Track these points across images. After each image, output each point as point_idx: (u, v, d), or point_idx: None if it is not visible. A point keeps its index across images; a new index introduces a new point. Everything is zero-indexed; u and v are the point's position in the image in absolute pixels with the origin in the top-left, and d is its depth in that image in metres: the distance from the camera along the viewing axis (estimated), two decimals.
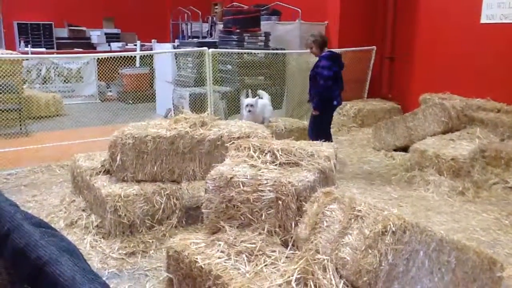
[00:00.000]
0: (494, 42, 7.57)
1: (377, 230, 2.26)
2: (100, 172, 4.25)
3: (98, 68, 10.77)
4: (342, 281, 2.31)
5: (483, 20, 7.79)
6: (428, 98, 7.67)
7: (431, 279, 2.41)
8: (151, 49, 11.46)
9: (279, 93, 8.35)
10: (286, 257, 2.66)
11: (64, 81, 10.85)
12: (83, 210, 4.25)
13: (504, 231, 4.25)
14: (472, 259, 2.63)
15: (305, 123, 6.70)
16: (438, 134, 6.07)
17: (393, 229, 2.23)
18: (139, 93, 9.77)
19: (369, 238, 2.27)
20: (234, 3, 10.70)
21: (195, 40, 10.02)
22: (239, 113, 7.86)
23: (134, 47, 12.80)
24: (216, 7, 13.21)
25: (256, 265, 2.59)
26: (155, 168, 4.01)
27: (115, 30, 14.07)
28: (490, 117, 6.54)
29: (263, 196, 2.90)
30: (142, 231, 3.88)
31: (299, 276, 2.36)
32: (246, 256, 2.68)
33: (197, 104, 7.34)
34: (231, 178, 2.97)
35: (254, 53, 7.96)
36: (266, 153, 3.24)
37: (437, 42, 8.53)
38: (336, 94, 5.75)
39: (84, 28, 13.64)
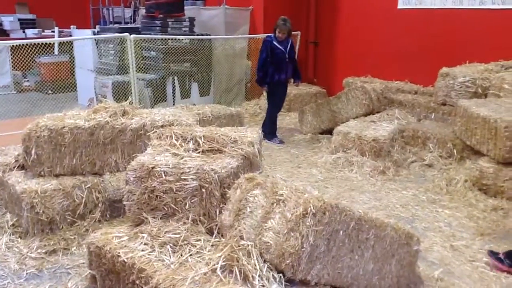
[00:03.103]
0: (410, 26, 7.93)
1: (298, 213, 2.28)
2: (14, 167, 4.00)
3: (12, 56, 10.05)
4: (266, 265, 2.33)
5: (400, 5, 8.12)
6: (351, 81, 7.93)
7: (352, 257, 2.49)
8: (70, 36, 10.88)
9: (206, 80, 8.26)
10: (212, 245, 2.63)
11: None
12: None
13: (421, 207, 4.49)
14: (390, 235, 2.74)
15: (233, 109, 6.69)
16: (360, 116, 6.30)
17: (313, 211, 2.26)
18: (58, 83, 9.23)
19: (291, 221, 2.29)
20: None
21: (117, 26, 9.64)
22: (165, 101, 7.70)
23: (52, 33, 12.09)
24: None
25: (181, 255, 2.54)
26: (74, 160, 3.82)
27: (30, 16, 13.18)
28: (408, 99, 6.88)
29: (186, 184, 2.85)
30: (62, 227, 3.69)
31: (224, 263, 2.35)
32: (171, 246, 2.62)
33: (121, 93, 7.08)
34: (152, 168, 2.88)
35: (179, 39, 7.79)
36: (188, 141, 3.18)
37: (358, 27, 8.79)
38: None
39: None
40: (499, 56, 6.56)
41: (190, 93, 8.07)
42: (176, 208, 2.87)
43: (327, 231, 2.32)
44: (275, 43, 6.32)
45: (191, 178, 2.85)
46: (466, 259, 3.51)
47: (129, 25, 9.91)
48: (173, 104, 7.58)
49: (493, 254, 3.47)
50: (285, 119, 7.93)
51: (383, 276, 2.74)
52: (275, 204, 2.43)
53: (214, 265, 2.35)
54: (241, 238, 2.47)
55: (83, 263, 3.29)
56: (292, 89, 8.51)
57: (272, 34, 6.46)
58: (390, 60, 8.22)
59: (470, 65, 6.56)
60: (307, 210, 2.27)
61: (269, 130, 6.59)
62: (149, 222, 2.84)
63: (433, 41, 7.58)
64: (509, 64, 6.37)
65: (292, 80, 6.80)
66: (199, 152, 3.10)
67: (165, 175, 2.87)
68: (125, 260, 2.56)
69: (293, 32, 8.94)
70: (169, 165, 2.90)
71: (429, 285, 3.15)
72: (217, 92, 8.51)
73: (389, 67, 8.14)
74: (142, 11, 9.75)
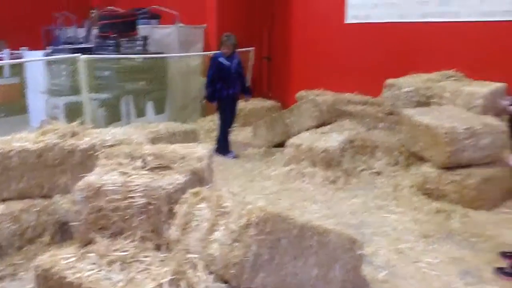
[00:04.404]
0: (358, 40, 8.24)
1: (242, 224, 2.37)
2: None
3: None
4: (211, 277, 2.39)
5: (348, 20, 8.44)
6: (304, 95, 8.12)
7: (295, 264, 2.58)
8: (22, 58, 10.65)
9: (161, 98, 8.28)
10: (160, 261, 2.66)
11: None
12: None
13: (370, 213, 4.66)
14: (333, 241, 2.86)
15: (188, 126, 6.74)
16: (312, 128, 6.46)
17: (256, 221, 2.35)
18: (10, 105, 9.06)
19: (234, 232, 2.37)
20: (110, 7, 10.37)
21: (69, 46, 9.53)
22: (120, 120, 7.66)
23: (2, 55, 11.81)
24: (93, 11, 12.67)
25: (129, 272, 2.57)
26: (21, 184, 3.75)
27: None
28: (358, 110, 7.10)
29: (134, 202, 2.87)
30: (10, 253, 3.63)
31: (171, 277, 2.40)
32: (119, 265, 2.64)
33: (74, 114, 6.99)
34: (99, 187, 2.90)
35: (133, 58, 7.79)
36: (137, 159, 3.21)
37: (309, 42, 9.06)
38: None
39: None
40: (441, 66, 6.93)
41: (145, 111, 8.06)
42: (125, 226, 2.89)
43: (270, 240, 2.40)
44: (221, 59, 6.46)
45: (139, 196, 2.88)
46: (411, 261, 3.67)
47: (82, 45, 9.80)
48: (128, 124, 7.54)
49: (499, 270, 3.43)
50: (240, 134, 8.03)
51: (328, 281, 2.84)
52: (219, 217, 2.51)
53: (161, 279, 2.39)
54: (188, 251, 2.53)
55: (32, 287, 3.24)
56: (247, 104, 8.61)
57: (219, 52, 6.59)
58: (341, 73, 8.48)
59: (415, 76, 6.87)
60: (250, 220, 2.36)
61: (223, 145, 6.68)
62: (97, 241, 2.85)
63: (380, 53, 7.90)
64: (450, 74, 6.74)
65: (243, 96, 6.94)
66: (147, 170, 3.14)
67: (112, 194, 2.89)
68: (72, 281, 2.56)
69: (246, 48, 9.17)
70: (117, 183, 2.92)
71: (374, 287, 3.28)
72: (173, 109, 8.54)
73: (341, 79, 8.40)
74: (96, 31, 9.68)
